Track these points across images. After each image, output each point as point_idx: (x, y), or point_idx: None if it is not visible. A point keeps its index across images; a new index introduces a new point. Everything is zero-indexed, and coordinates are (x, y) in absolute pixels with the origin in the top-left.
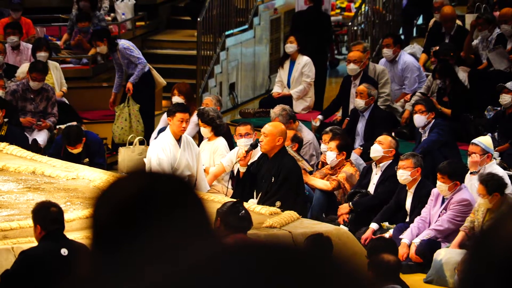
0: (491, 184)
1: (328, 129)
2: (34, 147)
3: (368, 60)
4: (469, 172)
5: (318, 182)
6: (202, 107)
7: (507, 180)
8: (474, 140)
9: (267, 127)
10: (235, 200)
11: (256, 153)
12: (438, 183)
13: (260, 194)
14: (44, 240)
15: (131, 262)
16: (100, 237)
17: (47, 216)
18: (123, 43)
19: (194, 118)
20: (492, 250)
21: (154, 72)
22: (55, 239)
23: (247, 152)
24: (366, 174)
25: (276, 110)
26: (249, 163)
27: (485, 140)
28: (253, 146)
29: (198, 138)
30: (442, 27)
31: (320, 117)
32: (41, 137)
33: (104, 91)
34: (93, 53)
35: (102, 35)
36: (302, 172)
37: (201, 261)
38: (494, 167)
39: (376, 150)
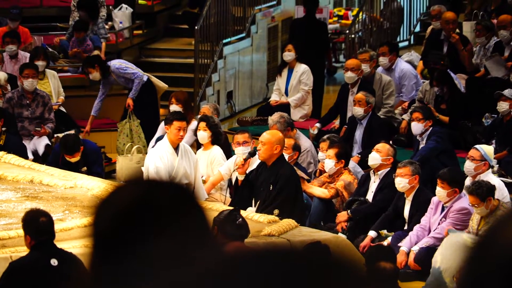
0: (481, 192)
1: (325, 137)
2: (48, 151)
3: (374, 69)
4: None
5: (316, 190)
6: (204, 115)
7: (501, 186)
8: (476, 145)
9: (265, 136)
10: (232, 208)
11: (255, 161)
12: (438, 189)
13: (258, 202)
14: (34, 250)
15: (132, 271)
16: (100, 245)
17: (36, 227)
18: (114, 63)
19: (192, 126)
20: (492, 254)
21: (154, 79)
22: (44, 249)
23: (245, 160)
24: (364, 182)
25: (274, 117)
26: (247, 171)
27: (487, 148)
28: (251, 154)
29: (196, 146)
30: (440, 35)
31: (318, 125)
32: (42, 144)
33: None
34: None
35: (93, 61)
36: (300, 181)
37: (204, 271)
38: (489, 177)
39: (374, 158)
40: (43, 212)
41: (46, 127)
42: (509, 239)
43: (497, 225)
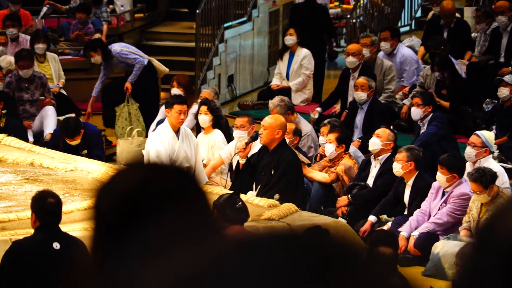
0: (484, 179)
1: (326, 121)
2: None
3: (375, 54)
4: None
5: (317, 174)
6: (205, 98)
7: (501, 172)
8: (477, 131)
9: (267, 120)
10: (232, 192)
11: (256, 145)
12: (438, 173)
13: (259, 186)
14: (38, 231)
15: (135, 254)
16: (102, 229)
17: (43, 207)
18: (115, 48)
19: (193, 109)
20: (495, 242)
21: (155, 62)
22: (48, 231)
23: (247, 144)
24: (365, 167)
25: (274, 101)
26: (249, 155)
27: (488, 135)
28: (253, 138)
29: (196, 130)
30: (441, 20)
31: (318, 109)
32: (48, 130)
33: None
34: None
35: (95, 45)
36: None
37: (216, 256)
38: (489, 162)
39: (375, 143)
40: (53, 193)
41: (50, 98)
42: (510, 228)
43: (498, 213)
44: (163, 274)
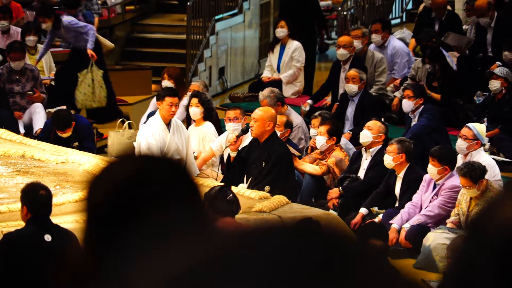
0: (474, 174)
1: (317, 113)
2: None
3: (366, 46)
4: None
5: (308, 166)
6: (196, 91)
7: (493, 164)
8: (468, 124)
9: (257, 112)
10: (223, 184)
11: (247, 138)
12: (429, 166)
13: (250, 179)
14: (29, 224)
15: (128, 247)
16: (94, 220)
17: (35, 199)
18: (66, 18)
19: (184, 102)
20: (486, 234)
21: (101, 38)
22: (40, 224)
23: (238, 137)
24: (356, 159)
25: (264, 92)
26: (239, 148)
27: (479, 127)
28: (244, 131)
29: (187, 122)
30: (432, 13)
31: (309, 101)
32: (38, 125)
33: None
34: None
35: (51, 12)
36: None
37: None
38: (481, 154)
39: (366, 136)
40: (43, 186)
41: (40, 93)
42: (502, 219)
43: (489, 206)
44: (158, 269)
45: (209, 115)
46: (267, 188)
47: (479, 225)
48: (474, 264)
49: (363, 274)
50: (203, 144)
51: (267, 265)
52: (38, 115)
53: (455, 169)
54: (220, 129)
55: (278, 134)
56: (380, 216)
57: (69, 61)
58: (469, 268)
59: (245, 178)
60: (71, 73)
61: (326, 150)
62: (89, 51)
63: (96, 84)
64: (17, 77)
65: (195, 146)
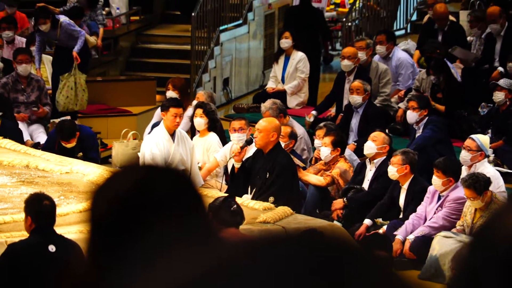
0: (478, 186)
1: (322, 124)
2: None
3: (370, 57)
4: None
5: (312, 177)
6: (201, 101)
7: (497, 176)
8: (472, 135)
9: (261, 123)
10: (227, 194)
11: (251, 149)
12: (434, 177)
13: (254, 189)
14: (34, 234)
15: (132, 257)
16: (98, 230)
17: (39, 210)
18: (65, 19)
19: (188, 112)
20: (492, 244)
21: (87, 36)
22: (44, 234)
23: (242, 148)
24: (360, 170)
25: (266, 104)
26: (244, 159)
27: (483, 138)
28: (248, 142)
29: (191, 132)
30: (435, 24)
31: (314, 112)
32: (42, 138)
33: (98, 85)
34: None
35: (49, 13)
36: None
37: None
38: (485, 166)
39: (370, 147)
40: (47, 196)
41: (44, 108)
42: (506, 230)
43: (494, 217)
44: (162, 279)
45: (214, 125)
46: (271, 199)
47: (483, 236)
48: (479, 275)
49: (367, 284)
50: (207, 155)
51: (271, 275)
52: (40, 134)
53: (460, 180)
54: (225, 140)
55: (283, 145)
56: (385, 227)
57: (53, 62)
58: (473, 279)
59: (249, 189)
60: (53, 75)
61: (331, 161)
62: (74, 53)
63: (79, 87)
64: (22, 86)
65: (199, 157)
